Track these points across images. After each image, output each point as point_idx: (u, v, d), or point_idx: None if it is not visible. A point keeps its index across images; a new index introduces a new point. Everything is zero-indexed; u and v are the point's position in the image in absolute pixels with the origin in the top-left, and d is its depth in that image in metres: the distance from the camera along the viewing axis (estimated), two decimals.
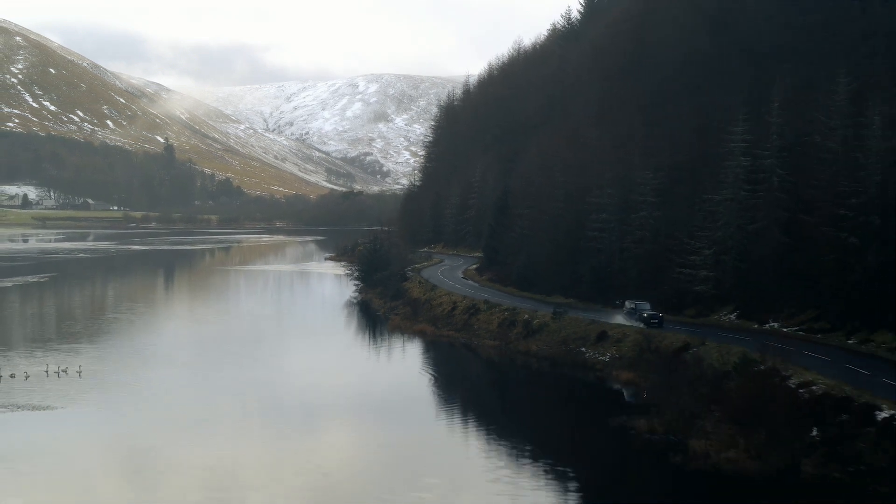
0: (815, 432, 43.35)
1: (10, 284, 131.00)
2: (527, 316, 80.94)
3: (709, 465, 43.50)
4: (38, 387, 60.38)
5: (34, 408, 55.13)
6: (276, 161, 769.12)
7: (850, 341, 63.26)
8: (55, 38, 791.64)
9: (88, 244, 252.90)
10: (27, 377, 62.97)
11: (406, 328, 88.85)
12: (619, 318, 75.36)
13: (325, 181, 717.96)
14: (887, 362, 56.16)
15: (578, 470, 46.18)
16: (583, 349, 71.18)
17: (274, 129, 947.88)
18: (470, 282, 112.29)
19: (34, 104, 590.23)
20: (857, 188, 67.47)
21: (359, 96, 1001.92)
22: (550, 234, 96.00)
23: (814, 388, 48.65)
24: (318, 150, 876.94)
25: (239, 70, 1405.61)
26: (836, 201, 68.20)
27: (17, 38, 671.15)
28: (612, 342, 69.92)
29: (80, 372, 65.25)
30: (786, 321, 70.47)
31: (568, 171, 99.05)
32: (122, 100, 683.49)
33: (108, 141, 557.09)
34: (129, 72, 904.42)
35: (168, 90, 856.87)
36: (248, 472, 44.23)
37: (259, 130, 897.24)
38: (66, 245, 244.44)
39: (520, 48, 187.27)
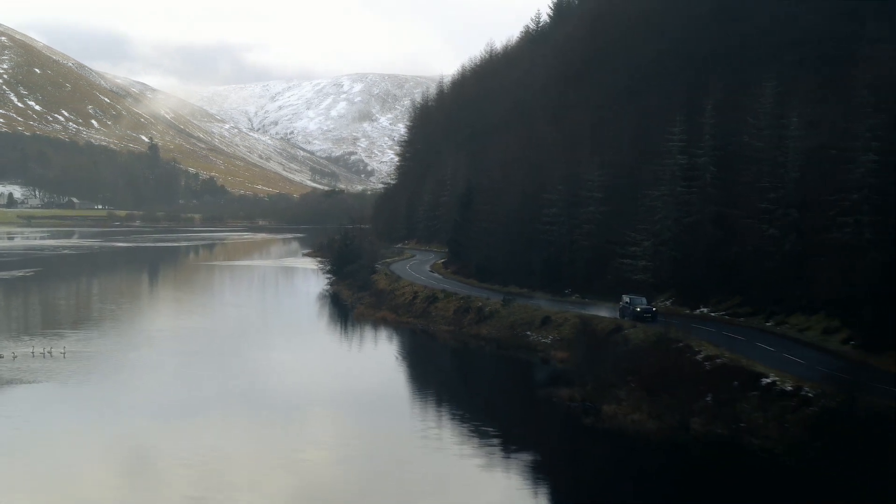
0: (709, 397, 49.38)
1: None
2: (480, 304, 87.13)
3: (615, 425, 49.76)
4: (24, 365, 66.06)
5: (21, 381, 60.77)
6: (261, 160, 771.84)
7: (767, 323, 69.45)
8: (40, 38, 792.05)
9: (73, 242, 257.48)
10: (14, 357, 68.66)
11: (369, 316, 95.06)
12: (603, 312, 78.69)
13: (310, 180, 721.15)
14: (794, 340, 62.41)
15: (508, 433, 52.29)
16: (528, 333, 77.30)
17: (259, 129, 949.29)
18: (436, 274, 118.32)
19: (19, 104, 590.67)
20: (777, 184, 73.79)
21: (343, 96, 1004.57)
22: (507, 229, 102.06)
23: (717, 360, 54.87)
24: (303, 150, 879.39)
25: (223, 70, 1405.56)
26: (759, 196, 74.56)
27: (3, 38, 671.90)
28: (554, 326, 76.01)
29: (65, 353, 70.90)
30: (714, 306, 76.70)
31: (524, 170, 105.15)
32: (106, 99, 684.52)
33: (92, 140, 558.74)
34: (114, 71, 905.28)
35: (153, 90, 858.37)
36: (210, 439, 50.02)
37: (244, 130, 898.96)
38: (51, 242, 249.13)
39: (491, 50, 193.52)
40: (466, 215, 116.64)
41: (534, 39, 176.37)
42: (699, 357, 55.64)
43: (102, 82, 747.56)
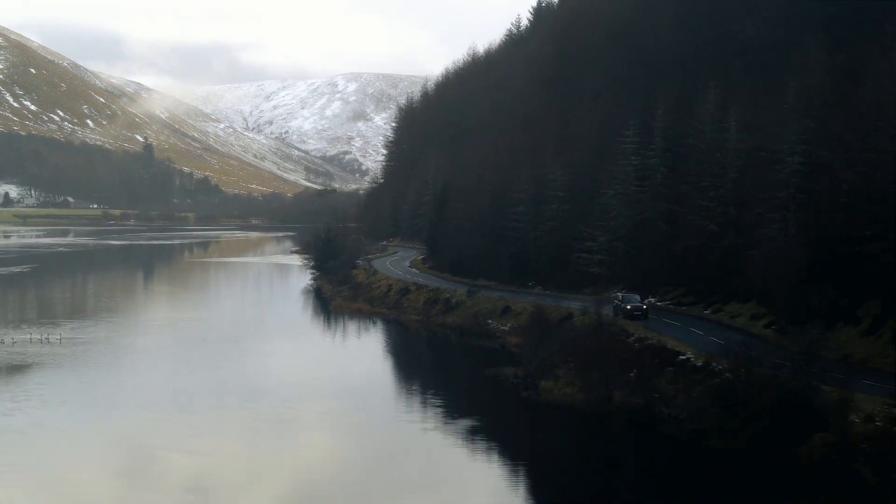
0: (633, 373, 55.48)
1: None
2: (448, 295, 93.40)
3: (549, 398, 56.19)
4: (22, 349, 72.14)
5: (18, 364, 66.81)
6: (256, 160, 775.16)
7: (706, 311, 75.65)
8: (34, 37, 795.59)
9: (68, 240, 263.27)
10: (14, 342, 74.72)
11: (346, 307, 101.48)
12: (566, 303, 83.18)
13: (304, 179, 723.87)
14: (725, 326, 68.56)
15: (455, 405, 58.76)
16: (489, 321, 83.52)
17: (254, 128, 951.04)
18: (414, 270, 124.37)
19: (15, 104, 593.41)
20: (717, 184, 79.90)
21: (338, 95, 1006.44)
22: (478, 226, 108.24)
23: (647, 342, 61.10)
24: (298, 149, 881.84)
25: (218, 69, 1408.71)
26: (702, 195, 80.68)
27: None
28: (513, 315, 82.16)
29: (60, 340, 76.96)
30: (662, 296, 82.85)
31: (495, 170, 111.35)
32: (101, 99, 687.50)
33: (88, 140, 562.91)
34: (110, 71, 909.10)
35: (148, 89, 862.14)
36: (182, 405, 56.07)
37: (239, 129, 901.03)
38: (47, 241, 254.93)
39: (474, 54, 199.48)
40: (442, 214, 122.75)
41: (514, 43, 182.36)
42: (631, 339, 61.82)
43: (97, 82, 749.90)
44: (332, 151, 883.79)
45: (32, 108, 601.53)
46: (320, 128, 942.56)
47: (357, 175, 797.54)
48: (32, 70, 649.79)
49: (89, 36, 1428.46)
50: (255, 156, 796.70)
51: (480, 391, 63.44)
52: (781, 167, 70.52)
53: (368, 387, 65.33)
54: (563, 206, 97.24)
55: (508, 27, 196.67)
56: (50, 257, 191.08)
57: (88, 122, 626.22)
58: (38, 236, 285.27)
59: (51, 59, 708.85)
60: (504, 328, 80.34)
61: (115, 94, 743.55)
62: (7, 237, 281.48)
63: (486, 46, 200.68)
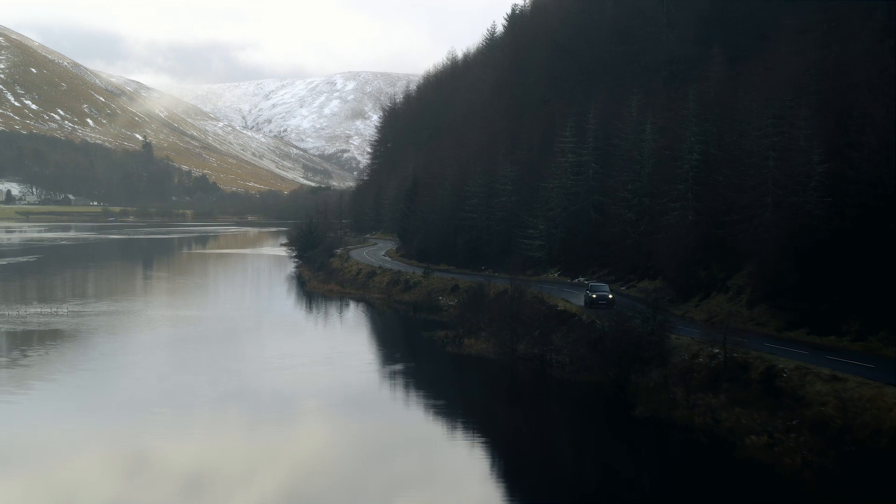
0: (537, 331, 67.81)
1: (4, 262, 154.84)
2: (408, 277, 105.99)
3: (469, 352, 68.77)
4: (33, 320, 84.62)
5: (32, 331, 79.25)
6: (254, 158, 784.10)
7: (622, 288, 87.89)
8: (34, 36, 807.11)
9: (70, 234, 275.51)
10: (26, 315, 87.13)
11: (319, 288, 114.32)
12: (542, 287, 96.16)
13: (302, 177, 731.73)
14: (633, 298, 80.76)
15: (394, 358, 71.29)
16: (440, 297, 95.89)
17: (252, 127, 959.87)
18: (387, 258, 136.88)
19: (16, 103, 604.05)
20: (636, 178, 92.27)
21: (336, 94, 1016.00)
22: (440, 217, 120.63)
23: (556, 308, 73.37)
24: (296, 147, 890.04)
25: (215, 69, 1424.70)
26: (623, 187, 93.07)
27: (0, 38, 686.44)
28: (460, 292, 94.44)
29: (67, 312, 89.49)
30: (589, 276, 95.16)
31: (457, 167, 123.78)
32: (101, 98, 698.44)
33: (88, 139, 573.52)
34: (109, 70, 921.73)
35: (148, 88, 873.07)
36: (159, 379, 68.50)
37: (238, 128, 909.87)
38: (50, 235, 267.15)
39: (453, 58, 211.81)
40: (411, 207, 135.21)
41: (489, 48, 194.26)
42: (543, 307, 74.14)
43: (97, 81, 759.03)
44: (330, 149, 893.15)
45: (33, 107, 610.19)
46: (319, 126, 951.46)
47: (355, 173, 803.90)
48: (33, 70, 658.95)
49: (88, 34, 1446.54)
50: (253, 154, 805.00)
51: (418, 348, 76.35)
52: (682, 163, 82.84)
53: (329, 350, 77.72)
54: (511, 199, 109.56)
55: (484, 33, 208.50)
56: (54, 249, 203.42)
57: (89, 121, 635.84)
58: (40, 231, 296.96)
59: (51, 59, 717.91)
60: (451, 303, 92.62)
61: (114, 93, 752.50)
62: (11, 232, 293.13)
63: (466, 50, 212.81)
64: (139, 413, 51.84)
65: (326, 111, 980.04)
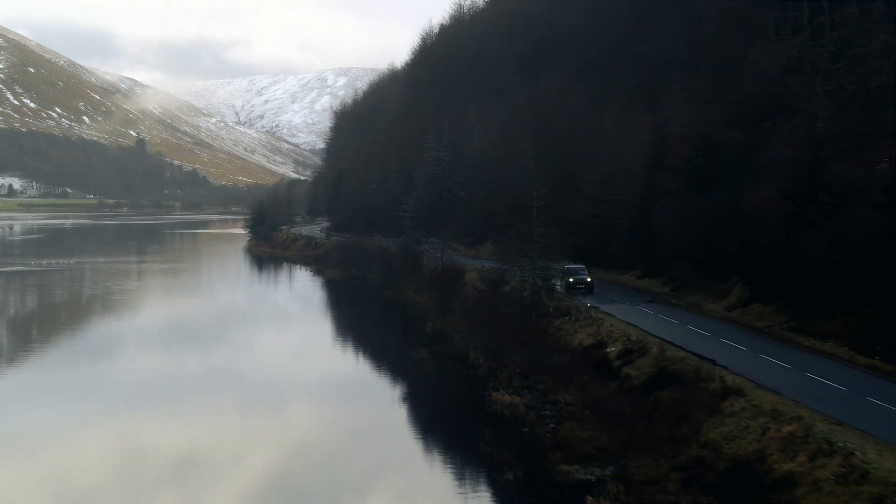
0: (365, 262, 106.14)
1: (18, 239, 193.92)
2: (317, 241, 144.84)
3: (325, 277, 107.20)
4: (45, 271, 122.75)
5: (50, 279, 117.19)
6: (246, 153, 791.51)
7: (462, 247, 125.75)
8: (27, 34, 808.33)
9: (70, 221, 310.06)
10: (41, 266, 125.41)
11: (256, 250, 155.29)
12: (389, 243, 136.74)
13: (293, 172, 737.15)
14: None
15: (283, 285, 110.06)
16: (333, 252, 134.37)
17: (245, 122, 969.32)
18: (318, 231, 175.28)
19: (15, 102, 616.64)
20: (468, 168, 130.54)
21: (327, 90, 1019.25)
22: (352, 199, 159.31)
23: (384, 247, 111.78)
24: (288, 143, 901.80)
25: (206, 66, 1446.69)
26: (465, 176, 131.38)
27: None
28: (350, 248, 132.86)
29: (72, 264, 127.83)
30: (441, 235, 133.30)
31: (367, 160, 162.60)
32: (97, 96, 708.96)
33: (84, 136, 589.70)
34: (103, 67, 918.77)
35: (142, 86, 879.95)
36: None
37: (230, 123, 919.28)
38: (52, 222, 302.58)
39: (392, 67, 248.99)
40: (336, 192, 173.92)
41: (423, 53, 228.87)
42: (375, 248, 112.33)
43: (93, 79, 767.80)
44: (321, 144, 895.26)
45: (32, 105, 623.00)
46: (310, 121, 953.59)
47: None
48: (31, 69, 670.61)
49: (81, 32, 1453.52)
50: (245, 149, 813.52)
51: (297, 278, 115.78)
52: (514, 162, 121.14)
53: (241, 285, 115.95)
54: (395, 184, 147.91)
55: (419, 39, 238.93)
56: (57, 231, 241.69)
57: (85, 118, 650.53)
58: (43, 219, 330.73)
59: (48, 58, 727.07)
60: (336, 254, 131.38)
61: (110, 91, 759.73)
62: (15, 221, 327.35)
63: (402, 62, 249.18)
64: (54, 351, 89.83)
65: (318, 106, 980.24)
